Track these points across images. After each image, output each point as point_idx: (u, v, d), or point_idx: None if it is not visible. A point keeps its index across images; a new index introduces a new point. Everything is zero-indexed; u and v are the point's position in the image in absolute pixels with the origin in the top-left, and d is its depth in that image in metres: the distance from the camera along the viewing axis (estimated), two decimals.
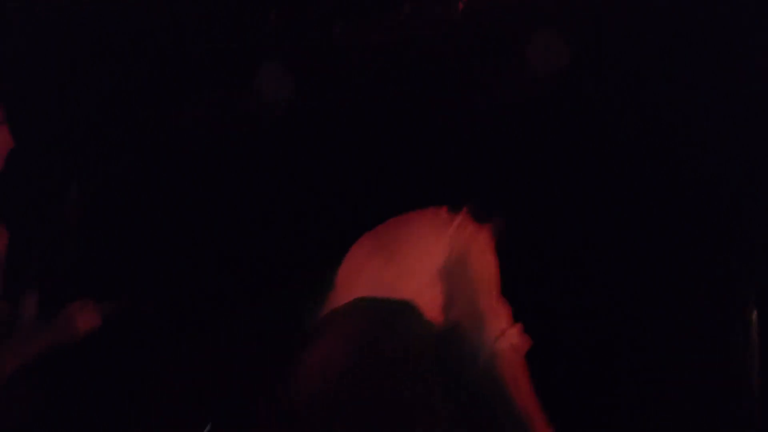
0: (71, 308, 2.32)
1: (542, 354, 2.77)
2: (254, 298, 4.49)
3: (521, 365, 2.40)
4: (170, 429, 4.20)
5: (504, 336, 2.41)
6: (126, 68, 3.85)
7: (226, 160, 4.21)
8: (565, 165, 3.81)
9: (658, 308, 3.79)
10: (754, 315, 2.62)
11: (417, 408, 2.23)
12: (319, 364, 2.37)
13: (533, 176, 3.26)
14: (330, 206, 4.28)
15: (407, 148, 3.94)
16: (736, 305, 3.21)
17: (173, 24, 3.75)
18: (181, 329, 4.40)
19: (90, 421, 4.00)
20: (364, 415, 2.23)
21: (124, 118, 3.93)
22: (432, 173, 3.80)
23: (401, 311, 2.39)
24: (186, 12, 3.72)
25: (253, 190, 4.29)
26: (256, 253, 4.38)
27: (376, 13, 3.71)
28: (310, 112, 4.10)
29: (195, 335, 4.48)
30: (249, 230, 4.34)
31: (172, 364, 4.40)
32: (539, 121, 3.98)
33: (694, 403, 3.55)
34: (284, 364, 2.55)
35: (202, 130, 4.10)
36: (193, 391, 4.29)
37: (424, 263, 2.49)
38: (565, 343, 3.22)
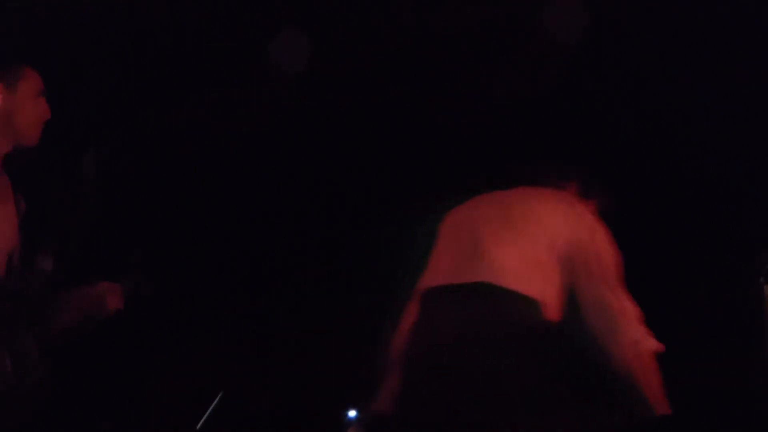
0: (101, 287, 2.35)
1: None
2: (255, 296, 4.49)
3: (657, 371, 2.31)
4: (170, 429, 4.21)
5: (641, 341, 2.31)
6: (126, 68, 3.85)
7: (226, 160, 4.21)
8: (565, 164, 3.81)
9: (659, 307, 3.79)
10: (766, 290, 2.59)
11: (522, 401, 2.15)
12: (431, 346, 2.27)
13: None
14: (331, 204, 4.29)
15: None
16: (736, 304, 3.21)
17: (173, 24, 3.75)
18: (181, 329, 4.41)
19: (90, 421, 4.00)
20: (467, 404, 2.17)
21: (124, 118, 3.94)
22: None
23: (527, 307, 2.28)
24: (186, 12, 3.72)
25: (253, 190, 4.30)
26: (257, 252, 4.39)
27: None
28: (310, 111, 4.10)
29: (195, 335, 4.48)
30: (249, 229, 4.35)
31: (172, 364, 4.41)
32: (538, 121, 3.99)
33: (694, 403, 3.55)
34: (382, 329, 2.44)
35: (202, 130, 4.11)
36: (193, 391, 4.30)
37: (549, 247, 2.36)
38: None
